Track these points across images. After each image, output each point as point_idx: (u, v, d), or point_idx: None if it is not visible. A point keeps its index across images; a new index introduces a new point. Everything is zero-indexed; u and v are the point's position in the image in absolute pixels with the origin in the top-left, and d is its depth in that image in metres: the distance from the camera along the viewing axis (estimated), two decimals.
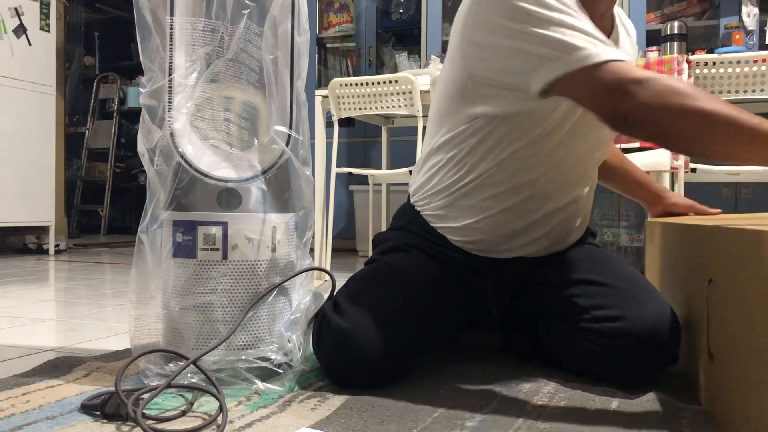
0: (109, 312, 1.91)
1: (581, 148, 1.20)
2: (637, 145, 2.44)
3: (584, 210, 1.30)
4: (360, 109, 2.87)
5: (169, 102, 1.07)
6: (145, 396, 0.94)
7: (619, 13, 1.24)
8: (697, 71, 2.44)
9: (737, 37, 3.44)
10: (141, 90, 1.09)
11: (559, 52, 0.98)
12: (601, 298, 1.14)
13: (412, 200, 1.33)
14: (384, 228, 3.47)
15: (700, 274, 1.02)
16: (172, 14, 1.07)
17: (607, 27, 1.18)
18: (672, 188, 2.52)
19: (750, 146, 0.91)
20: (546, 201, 1.20)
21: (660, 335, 1.08)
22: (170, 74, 1.07)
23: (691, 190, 2.98)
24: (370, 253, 1.36)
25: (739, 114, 0.91)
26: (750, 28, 3.52)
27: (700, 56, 2.46)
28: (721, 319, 0.89)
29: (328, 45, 4.71)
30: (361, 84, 2.82)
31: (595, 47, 0.97)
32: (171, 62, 1.07)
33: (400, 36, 4.55)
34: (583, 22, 1.01)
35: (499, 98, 1.12)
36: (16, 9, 3.62)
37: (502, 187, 1.18)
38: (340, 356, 1.08)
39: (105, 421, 0.92)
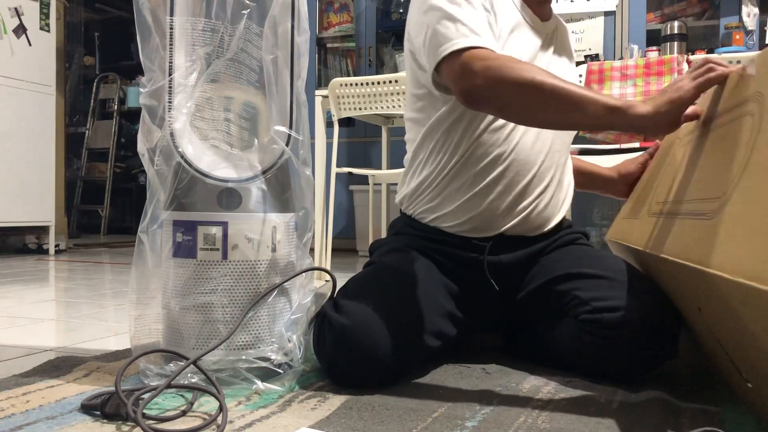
0: (109, 312, 1.92)
1: None
2: (636, 144, 2.44)
3: (565, 182, 1.35)
4: (360, 109, 2.87)
5: (169, 102, 1.07)
6: (145, 396, 0.94)
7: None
8: None
9: (737, 37, 3.44)
10: (141, 90, 1.09)
11: (436, 45, 1.11)
12: (600, 290, 1.15)
13: (402, 208, 1.38)
14: (384, 228, 3.47)
15: (685, 300, 1.00)
16: (172, 14, 1.07)
17: (546, 14, 1.31)
18: None
19: (578, 112, 1.02)
20: (526, 168, 1.25)
21: (660, 324, 1.10)
22: (170, 74, 1.07)
23: None
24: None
25: (566, 84, 1.03)
26: (750, 28, 3.52)
27: (700, 56, 2.46)
28: (733, 346, 0.86)
29: (328, 45, 4.71)
30: (361, 84, 2.82)
31: (465, 38, 1.09)
32: (171, 62, 1.07)
33: (400, 36, 4.55)
34: (470, 12, 1.13)
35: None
36: (16, 9, 3.62)
37: (482, 162, 1.24)
38: (341, 354, 1.08)
39: (105, 421, 0.92)
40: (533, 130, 1.26)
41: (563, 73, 1.32)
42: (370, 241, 3.30)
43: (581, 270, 1.20)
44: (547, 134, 1.28)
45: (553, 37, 1.33)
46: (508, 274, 1.27)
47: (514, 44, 1.23)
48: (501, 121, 1.23)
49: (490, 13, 1.19)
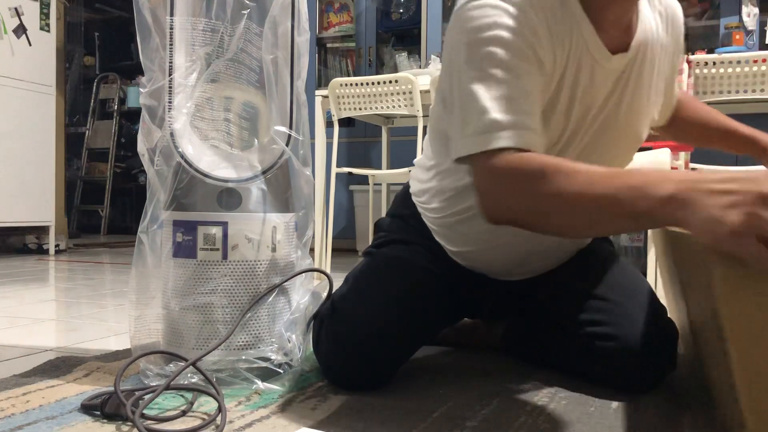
0: (109, 312, 1.91)
1: None
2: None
3: (587, 240, 1.26)
4: (360, 109, 2.87)
5: (169, 102, 1.07)
6: (145, 396, 0.94)
7: (643, 7, 1.04)
8: (697, 71, 2.44)
9: (737, 37, 3.44)
10: (141, 90, 1.10)
11: (465, 132, 0.88)
12: (597, 314, 1.12)
13: (413, 199, 1.25)
14: None
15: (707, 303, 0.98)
16: (172, 14, 1.07)
17: (621, 37, 0.99)
18: None
19: (616, 219, 0.77)
20: (546, 236, 1.08)
21: (651, 357, 1.08)
22: (170, 74, 1.07)
23: None
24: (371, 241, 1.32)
25: (592, 185, 0.76)
26: (750, 28, 3.52)
27: (700, 56, 2.46)
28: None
29: (328, 45, 4.71)
30: (361, 84, 2.82)
31: (489, 132, 0.85)
32: (171, 62, 1.07)
33: (400, 36, 4.54)
34: (516, 88, 0.87)
35: None
36: (16, 9, 3.62)
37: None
38: (337, 359, 1.08)
39: (105, 421, 0.92)
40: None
41: (641, 118, 1.07)
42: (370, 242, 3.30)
43: (582, 286, 1.17)
44: None
45: (631, 69, 1.02)
46: (515, 290, 1.25)
47: (564, 107, 0.98)
48: None
49: (543, 66, 0.92)
